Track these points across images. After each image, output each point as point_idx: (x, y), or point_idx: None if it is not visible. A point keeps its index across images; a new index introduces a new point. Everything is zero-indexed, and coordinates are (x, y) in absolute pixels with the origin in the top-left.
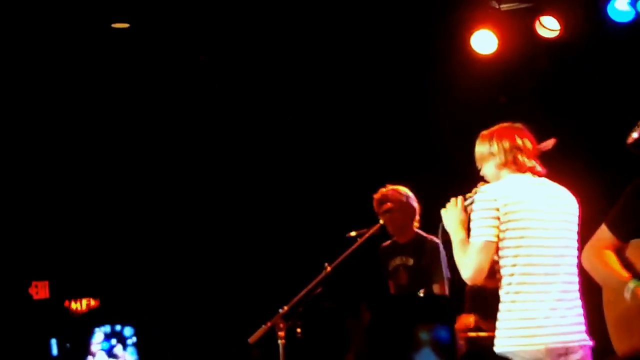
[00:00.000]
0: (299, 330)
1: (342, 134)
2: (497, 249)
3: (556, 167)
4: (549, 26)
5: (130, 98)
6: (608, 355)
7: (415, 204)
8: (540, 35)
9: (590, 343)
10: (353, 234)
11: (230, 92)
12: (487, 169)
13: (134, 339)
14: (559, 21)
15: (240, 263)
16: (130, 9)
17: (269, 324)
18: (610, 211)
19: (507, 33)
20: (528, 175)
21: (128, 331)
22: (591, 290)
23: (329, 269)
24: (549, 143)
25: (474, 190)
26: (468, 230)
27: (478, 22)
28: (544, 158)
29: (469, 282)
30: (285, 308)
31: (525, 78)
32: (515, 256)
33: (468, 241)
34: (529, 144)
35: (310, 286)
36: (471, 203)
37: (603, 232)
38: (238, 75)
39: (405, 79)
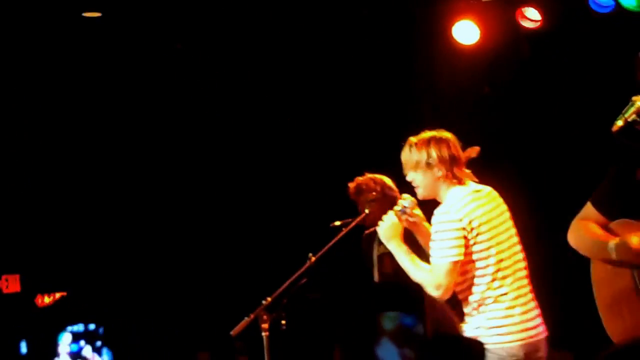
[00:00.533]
0: (283, 322)
1: (323, 124)
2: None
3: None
4: (530, 17)
5: (103, 88)
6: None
7: (395, 193)
8: (522, 26)
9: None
10: (337, 223)
11: (208, 81)
12: (421, 178)
13: (105, 339)
14: (540, 12)
15: (222, 254)
16: None
17: (252, 316)
18: (596, 190)
19: (489, 24)
20: (469, 185)
21: (98, 331)
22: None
23: (313, 259)
24: (474, 151)
25: (400, 203)
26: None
27: (460, 12)
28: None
29: (439, 299)
30: (269, 299)
31: (508, 68)
32: (487, 266)
33: (412, 253)
34: (461, 154)
35: (294, 277)
36: (403, 213)
37: (588, 210)
38: (215, 63)
39: (387, 70)
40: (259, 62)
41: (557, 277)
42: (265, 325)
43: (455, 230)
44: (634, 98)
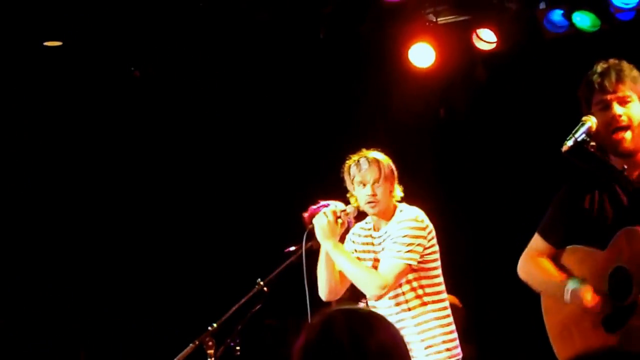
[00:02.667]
0: (237, 348)
1: (272, 148)
2: (415, 270)
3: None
4: (486, 38)
5: (64, 116)
6: None
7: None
8: (478, 48)
9: None
10: (292, 249)
11: (165, 106)
12: (387, 191)
13: None
14: (495, 33)
15: (169, 280)
16: (62, 26)
17: (196, 342)
18: (542, 220)
19: (444, 46)
20: (402, 203)
21: None
22: None
23: (261, 284)
24: None
25: (350, 206)
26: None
27: (415, 35)
28: None
29: (374, 299)
30: (215, 326)
31: (463, 90)
32: (437, 276)
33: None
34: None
35: (241, 303)
36: (345, 214)
37: (536, 241)
38: (173, 89)
39: (342, 94)
40: (215, 91)
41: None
42: (210, 352)
43: (420, 238)
44: (584, 118)
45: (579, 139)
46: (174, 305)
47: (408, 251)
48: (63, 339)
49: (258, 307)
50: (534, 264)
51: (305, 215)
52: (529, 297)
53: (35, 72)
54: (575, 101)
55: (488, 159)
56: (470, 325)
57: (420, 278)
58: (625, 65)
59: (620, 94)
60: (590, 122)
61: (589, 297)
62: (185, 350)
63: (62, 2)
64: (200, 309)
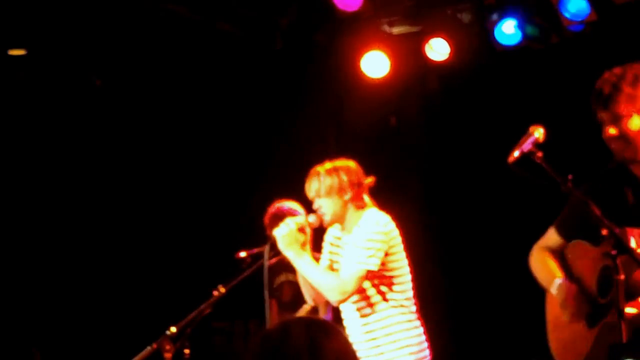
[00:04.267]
0: (186, 351)
1: (231, 155)
2: (378, 274)
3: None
4: (438, 49)
5: (30, 125)
6: None
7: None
8: (430, 59)
9: None
10: (243, 254)
11: (126, 114)
12: (330, 204)
13: None
14: (448, 44)
15: (128, 282)
16: (27, 35)
17: (154, 345)
18: (559, 215)
19: (398, 56)
20: (370, 209)
21: None
22: None
23: (222, 290)
24: (371, 180)
25: (312, 216)
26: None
27: (369, 45)
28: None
29: (335, 304)
30: (173, 329)
31: (416, 100)
32: (402, 283)
33: (313, 261)
34: (363, 180)
35: (202, 307)
36: (308, 224)
37: (551, 234)
38: (133, 96)
39: (293, 102)
40: (172, 97)
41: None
42: (168, 355)
43: (381, 242)
44: (530, 128)
45: (525, 150)
46: (132, 307)
47: (369, 256)
48: (17, 338)
49: (208, 311)
50: (540, 258)
51: (265, 218)
52: (511, 302)
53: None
54: (525, 112)
55: (438, 168)
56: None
57: (384, 282)
58: (629, 78)
59: (613, 111)
60: (538, 132)
61: (563, 294)
62: (142, 353)
63: (27, 11)
64: (158, 312)
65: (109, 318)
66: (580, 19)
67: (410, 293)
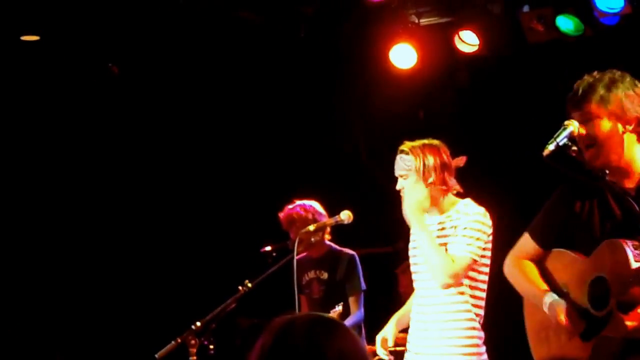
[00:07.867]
0: (211, 347)
1: (256, 147)
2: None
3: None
4: (468, 41)
5: (43, 111)
6: None
7: (323, 218)
8: (460, 50)
9: None
10: (268, 248)
11: (144, 103)
12: (412, 184)
13: None
14: (478, 36)
15: (153, 277)
16: (40, 21)
17: (179, 339)
18: (533, 220)
19: (426, 48)
20: (466, 199)
21: None
22: None
23: (249, 285)
24: (462, 160)
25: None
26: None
27: (397, 36)
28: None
29: (443, 288)
30: (198, 324)
31: (444, 93)
32: (485, 281)
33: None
34: (451, 161)
35: (227, 303)
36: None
37: (526, 241)
38: (151, 85)
39: (323, 93)
40: (193, 87)
41: None
42: (193, 350)
43: (485, 234)
44: (566, 122)
45: (560, 144)
46: (157, 302)
47: (478, 246)
48: (40, 339)
49: (233, 306)
50: (519, 268)
51: (281, 215)
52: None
53: (12, 67)
54: (558, 105)
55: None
56: None
57: (472, 274)
58: (605, 81)
59: (584, 111)
60: (573, 126)
61: (562, 317)
62: (167, 347)
63: None
64: (184, 307)
65: (136, 313)
66: (614, 11)
67: (485, 288)
